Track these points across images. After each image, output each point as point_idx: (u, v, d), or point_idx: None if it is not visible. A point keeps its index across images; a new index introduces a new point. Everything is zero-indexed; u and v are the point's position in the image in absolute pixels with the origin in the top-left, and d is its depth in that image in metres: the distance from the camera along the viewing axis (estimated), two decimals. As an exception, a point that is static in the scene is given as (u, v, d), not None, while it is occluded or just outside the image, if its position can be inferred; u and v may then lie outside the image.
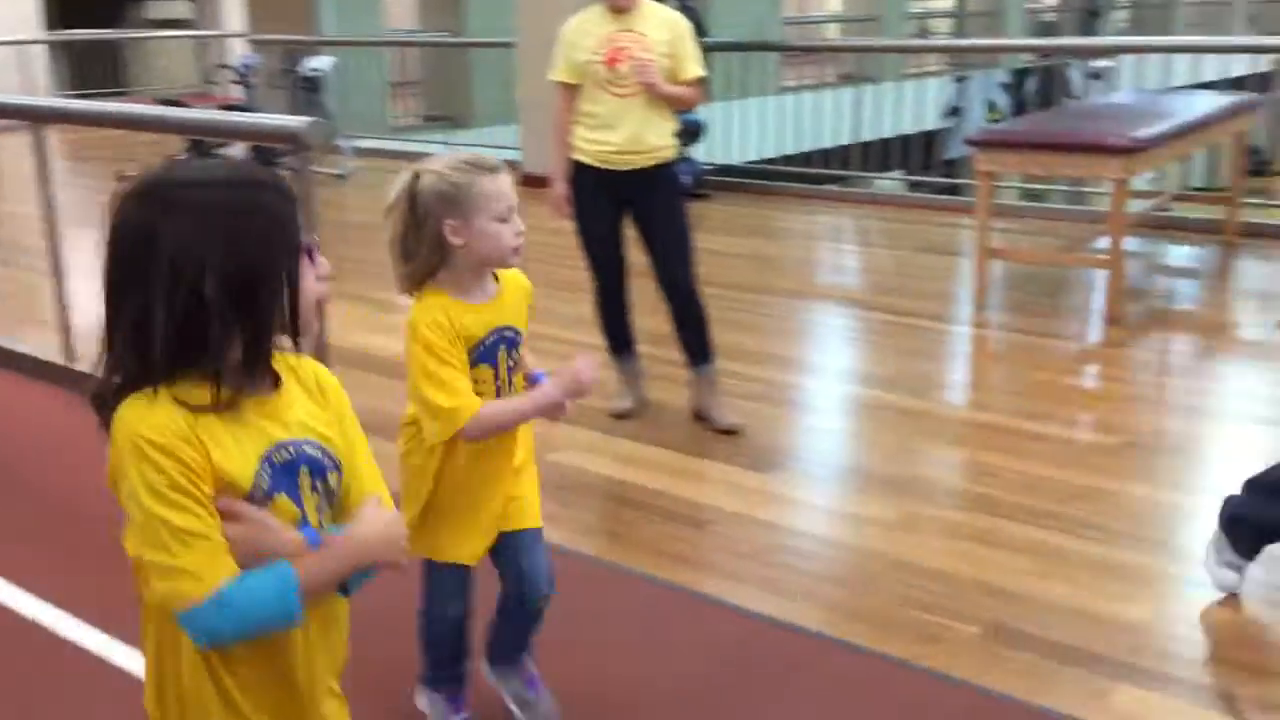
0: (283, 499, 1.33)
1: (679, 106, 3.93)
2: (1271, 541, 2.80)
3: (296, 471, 1.34)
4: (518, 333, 2.15)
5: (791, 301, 5.67)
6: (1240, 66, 16.01)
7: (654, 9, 3.87)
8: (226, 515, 1.28)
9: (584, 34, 3.84)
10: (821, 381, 4.68)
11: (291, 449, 1.34)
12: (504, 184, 2.06)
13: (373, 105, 11.38)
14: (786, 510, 3.44)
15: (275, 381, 1.36)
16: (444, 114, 12.39)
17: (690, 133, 6.82)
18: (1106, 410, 4.23)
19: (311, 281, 1.36)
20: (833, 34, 18.68)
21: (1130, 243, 5.55)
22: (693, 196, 6.92)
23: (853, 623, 2.80)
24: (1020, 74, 14.45)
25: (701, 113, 7.26)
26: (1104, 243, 5.20)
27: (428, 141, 10.34)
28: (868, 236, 7.22)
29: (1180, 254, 6.17)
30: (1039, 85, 13.23)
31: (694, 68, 3.86)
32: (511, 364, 2.14)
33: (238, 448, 1.30)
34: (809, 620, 2.81)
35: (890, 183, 10.23)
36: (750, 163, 8.69)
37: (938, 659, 2.62)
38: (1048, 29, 20.03)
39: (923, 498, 3.48)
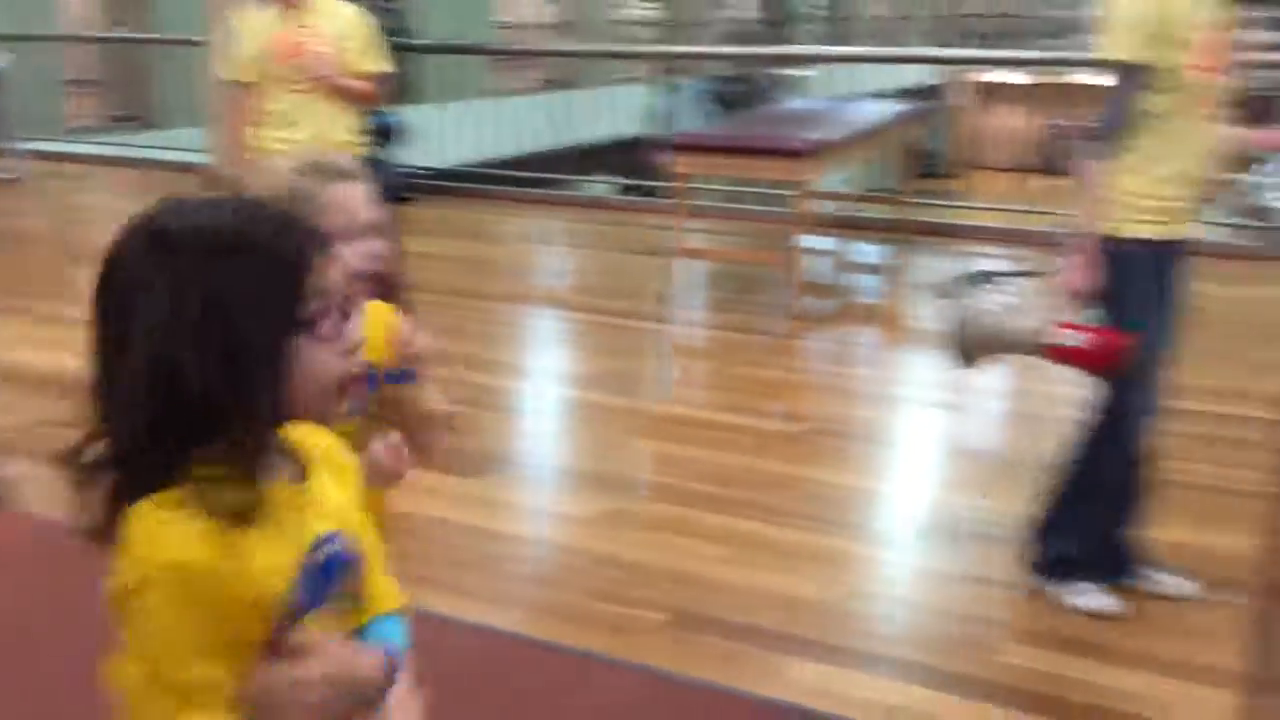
0: (312, 618, 1.07)
1: (359, 102, 3.83)
2: (1097, 559, 2.82)
3: (332, 575, 1.09)
4: (377, 371, 1.68)
5: (501, 305, 5.65)
6: (918, 77, 17.32)
7: (328, 3, 3.77)
8: (301, 653, 1.04)
9: (257, 30, 3.69)
10: (531, 384, 4.68)
11: (329, 546, 1.09)
12: (350, 194, 1.58)
13: (47, 105, 10.53)
14: (494, 514, 3.41)
15: (300, 468, 1.10)
16: (128, 114, 11.63)
17: (383, 133, 6.65)
18: (795, 400, 4.44)
19: (325, 358, 1.04)
20: (535, 40, 18.83)
21: (819, 241, 5.86)
22: (396, 200, 6.77)
23: (549, 620, 2.81)
24: (721, 81, 15.08)
25: (405, 113, 7.13)
26: (792, 241, 5.46)
27: (107, 143, 9.69)
28: (577, 239, 7.29)
29: (863, 251, 6.57)
30: (739, 92, 13.86)
31: (373, 62, 3.77)
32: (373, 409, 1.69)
33: (272, 555, 1.03)
34: (506, 621, 2.79)
35: (603, 186, 10.41)
36: (461, 166, 8.61)
37: (626, 649, 2.66)
38: (747, 38, 20.99)
39: (624, 493, 3.54)
